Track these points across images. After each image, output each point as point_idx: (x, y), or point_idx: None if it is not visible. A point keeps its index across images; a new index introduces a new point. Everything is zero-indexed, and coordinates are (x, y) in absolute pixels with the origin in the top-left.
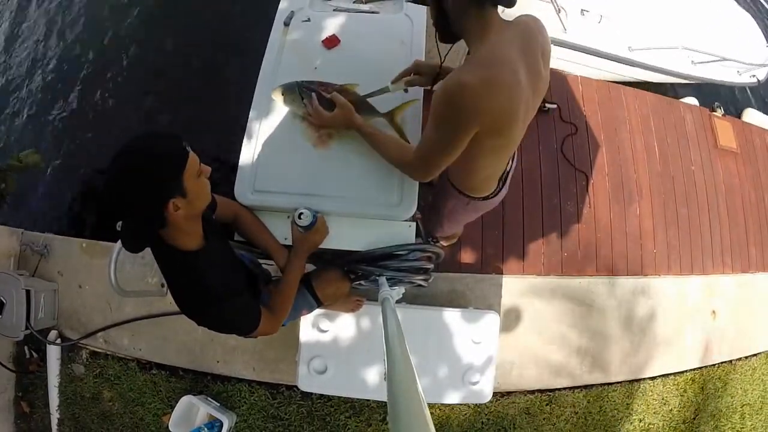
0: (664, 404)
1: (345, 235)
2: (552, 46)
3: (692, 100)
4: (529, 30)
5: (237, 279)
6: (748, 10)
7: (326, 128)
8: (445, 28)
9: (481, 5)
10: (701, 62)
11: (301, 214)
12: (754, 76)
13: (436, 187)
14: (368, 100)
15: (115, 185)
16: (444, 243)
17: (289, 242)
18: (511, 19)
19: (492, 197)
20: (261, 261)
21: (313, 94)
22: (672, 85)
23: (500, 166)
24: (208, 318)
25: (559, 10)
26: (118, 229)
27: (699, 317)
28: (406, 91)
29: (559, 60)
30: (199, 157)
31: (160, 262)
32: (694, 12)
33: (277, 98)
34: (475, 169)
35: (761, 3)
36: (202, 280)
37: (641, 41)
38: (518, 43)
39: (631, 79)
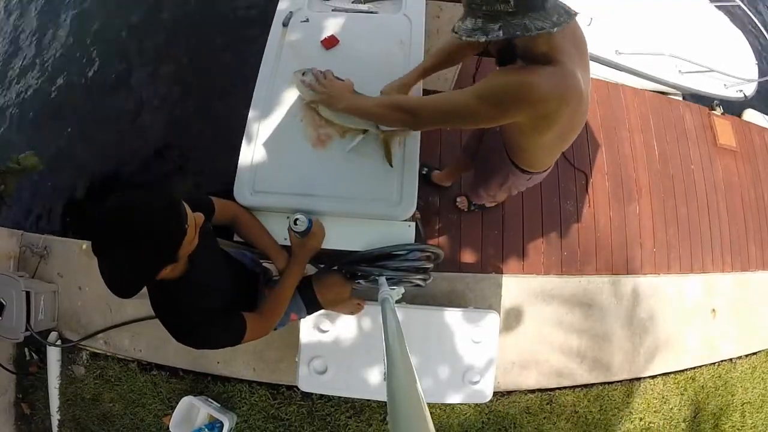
0: (665, 403)
1: (344, 235)
2: None
3: (677, 97)
4: (575, 30)
5: (218, 298)
6: (740, 27)
7: (324, 126)
8: (510, 56)
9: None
10: (689, 72)
11: (296, 219)
12: (740, 91)
13: (493, 166)
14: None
15: (110, 248)
16: (488, 205)
17: (288, 243)
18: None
19: (549, 169)
20: (262, 260)
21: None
22: None
23: (564, 147)
24: (186, 342)
25: None
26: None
27: (699, 316)
28: None
29: None
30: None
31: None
32: (686, 24)
33: (296, 78)
34: (540, 155)
35: (754, 21)
36: (179, 309)
37: (630, 47)
38: (574, 49)
39: (625, 85)
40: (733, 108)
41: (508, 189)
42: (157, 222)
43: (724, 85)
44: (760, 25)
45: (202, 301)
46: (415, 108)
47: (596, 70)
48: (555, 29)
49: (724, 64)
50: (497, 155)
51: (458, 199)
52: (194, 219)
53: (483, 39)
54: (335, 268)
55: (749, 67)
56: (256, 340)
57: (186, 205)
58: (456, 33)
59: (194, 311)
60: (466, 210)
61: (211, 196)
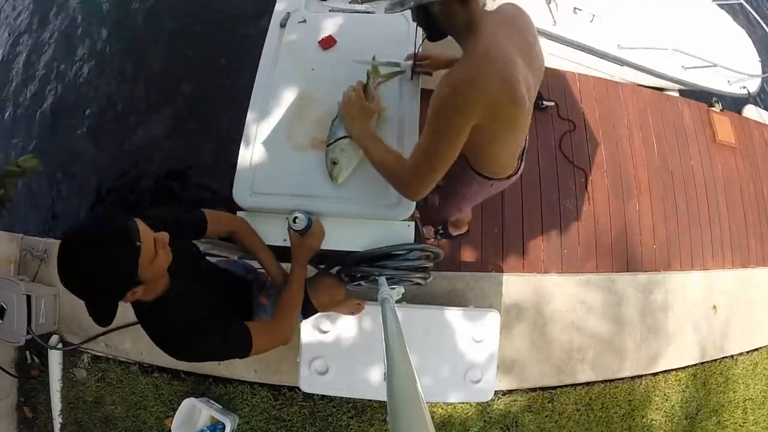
0: (666, 400)
1: (344, 236)
2: (541, 38)
3: (673, 93)
4: (511, 14)
5: (207, 311)
6: (742, 25)
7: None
8: (433, 29)
9: (464, 2)
10: (692, 67)
11: (296, 218)
12: (744, 87)
13: (455, 174)
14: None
15: (69, 281)
16: (454, 233)
17: (286, 244)
18: (493, 9)
19: (513, 176)
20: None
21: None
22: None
23: (516, 146)
24: (184, 356)
25: (550, 1)
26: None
27: (700, 312)
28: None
29: (550, 56)
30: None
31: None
32: (689, 22)
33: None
34: (493, 155)
35: (756, 19)
36: (167, 326)
37: (632, 42)
38: (505, 28)
39: (622, 80)
40: (733, 105)
41: (473, 197)
42: (101, 256)
43: (728, 81)
44: (762, 23)
45: (190, 313)
46: (407, 182)
47: (598, 65)
48: None
49: (728, 60)
50: (458, 165)
51: (424, 230)
52: (154, 238)
53: (399, 10)
54: (331, 271)
55: (752, 64)
56: (273, 348)
57: (141, 225)
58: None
59: (182, 324)
60: (432, 238)
61: (206, 209)
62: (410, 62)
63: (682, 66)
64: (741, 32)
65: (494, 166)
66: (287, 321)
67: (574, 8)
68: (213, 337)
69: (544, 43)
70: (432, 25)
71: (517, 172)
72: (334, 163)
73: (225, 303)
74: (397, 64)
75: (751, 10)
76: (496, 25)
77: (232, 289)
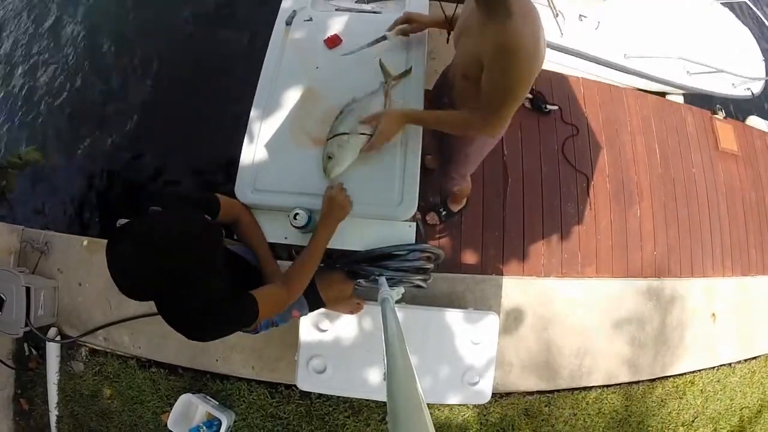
0: (663, 406)
1: (345, 235)
2: (548, 50)
3: (677, 98)
4: None
5: (228, 288)
6: (746, 24)
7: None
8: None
9: None
10: (696, 73)
11: (296, 215)
12: (748, 89)
13: (455, 137)
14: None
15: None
16: (455, 209)
17: (288, 242)
18: None
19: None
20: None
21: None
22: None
23: None
24: (201, 337)
25: (557, 14)
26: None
27: (699, 320)
28: (406, 35)
29: (556, 65)
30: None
31: None
32: (692, 23)
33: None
34: None
35: (761, 18)
36: (185, 303)
37: (638, 49)
38: None
39: (627, 87)
40: (738, 110)
41: (477, 153)
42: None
43: (732, 84)
44: (766, 22)
45: (212, 294)
46: (491, 124)
47: (604, 73)
48: None
49: (732, 62)
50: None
51: (428, 216)
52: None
53: None
54: (337, 266)
55: (757, 65)
56: (280, 310)
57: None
58: None
59: (201, 304)
60: (438, 224)
61: (218, 194)
62: (403, 27)
63: (687, 71)
64: (746, 32)
65: None
66: (298, 284)
67: (580, 15)
68: (219, 318)
69: (551, 54)
70: None
71: None
72: (330, 157)
73: (241, 288)
74: (383, 38)
75: (756, 10)
76: None
77: (240, 275)
